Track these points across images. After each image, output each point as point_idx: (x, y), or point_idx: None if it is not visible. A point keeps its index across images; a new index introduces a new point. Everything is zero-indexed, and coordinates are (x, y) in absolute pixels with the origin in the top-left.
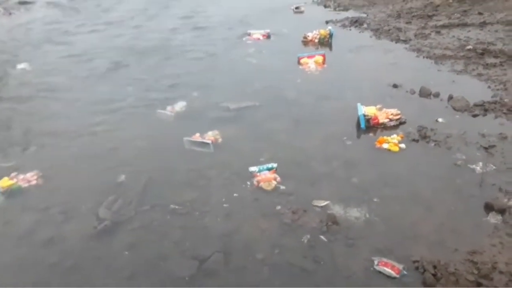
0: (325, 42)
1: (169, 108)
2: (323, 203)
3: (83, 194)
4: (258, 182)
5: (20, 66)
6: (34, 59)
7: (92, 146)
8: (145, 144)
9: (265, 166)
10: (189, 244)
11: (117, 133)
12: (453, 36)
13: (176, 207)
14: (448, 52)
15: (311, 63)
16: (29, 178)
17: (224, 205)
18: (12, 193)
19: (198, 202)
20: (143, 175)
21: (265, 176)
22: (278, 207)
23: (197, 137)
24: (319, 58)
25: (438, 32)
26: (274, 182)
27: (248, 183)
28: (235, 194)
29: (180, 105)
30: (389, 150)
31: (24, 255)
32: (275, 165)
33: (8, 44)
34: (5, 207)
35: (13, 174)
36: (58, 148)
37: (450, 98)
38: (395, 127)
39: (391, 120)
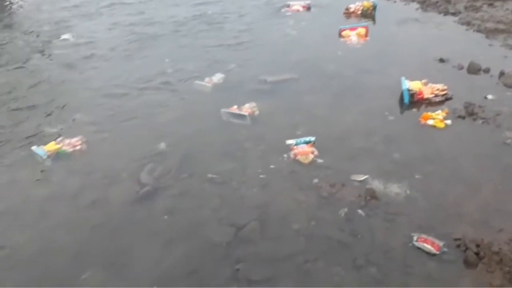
0: (368, 14)
1: (206, 79)
2: (362, 177)
3: (125, 160)
4: (295, 155)
5: (64, 36)
6: (78, 30)
7: (133, 115)
8: (184, 115)
9: (302, 139)
10: (225, 212)
11: (156, 102)
12: (507, 9)
13: (214, 176)
14: (501, 26)
15: (353, 35)
16: (74, 143)
17: (261, 176)
18: (58, 157)
19: (235, 172)
20: (182, 145)
21: (302, 149)
22: (315, 180)
23: (234, 109)
24: (362, 31)
25: (490, 5)
26: (311, 156)
27: (285, 155)
28: (271, 166)
29: (217, 77)
30: (434, 126)
31: (70, 216)
32: (313, 138)
33: (54, 14)
34: (52, 171)
35: (59, 139)
36: (100, 116)
37: (502, 74)
38: (440, 103)
39: (436, 95)
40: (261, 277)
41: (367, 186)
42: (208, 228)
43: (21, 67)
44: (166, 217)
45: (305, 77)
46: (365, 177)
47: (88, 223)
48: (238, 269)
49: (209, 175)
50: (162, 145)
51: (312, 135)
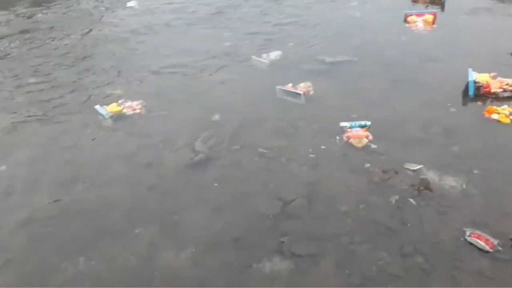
0: (437, 1)
1: (264, 56)
2: (416, 167)
3: (181, 128)
4: (348, 138)
5: (130, 4)
6: None
7: (190, 85)
8: (239, 89)
9: (357, 123)
10: (274, 186)
11: (213, 75)
12: None
13: (264, 151)
14: None
15: (420, 21)
16: (134, 107)
17: (311, 155)
18: (118, 118)
19: (285, 149)
20: (236, 117)
21: (357, 133)
22: (367, 165)
23: (289, 87)
24: (429, 17)
25: None
26: (365, 140)
27: (337, 137)
28: (322, 147)
29: (275, 54)
30: (498, 121)
31: (127, 174)
32: (368, 123)
33: None
34: (113, 130)
35: (120, 101)
36: (159, 83)
37: None
38: (508, 98)
39: (505, 90)
40: (305, 252)
41: (421, 176)
42: (256, 199)
43: (88, 32)
44: (216, 184)
45: (364, 60)
46: (420, 166)
47: (143, 182)
48: (283, 242)
49: (260, 150)
50: (217, 117)
51: (367, 119)
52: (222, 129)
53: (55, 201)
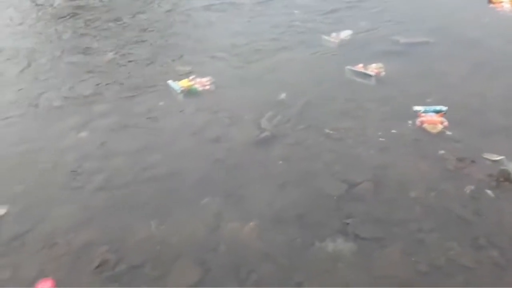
0: None
1: (333, 35)
2: (496, 157)
3: (247, 105)
4: (422, 122)
5: None
6: None
7: (257, 63)
8: (307, 68)
9: (432, 108)
10: (339, 168)
11: (280, 53)
12: None
13: (331, 132)
14: None
15: (506, 2)
16: (204, 83)
17: (380, 139)
18: (189, 93)
19: (353, 131)
20: (302, 97)
21: (431, 118)
22: (441, 152)
23: (359, 67)
24: None
25: None
26: (440, 126)
27: (410, 122)
28: (393, 131)
29: (345, 33)
30: None
31: (195, 147)
32: (444, 108)
33: None
34: (183, 105)
35: (191, 77)
36: (228, 60)
37: None
38: None
39: None
40: (370, 236)
41: (502, 167)
42: (320, 179)
43: (162, 9)
44: (281, 162)
45: (442, 42)
46: (501, 157)
47: (210, 156)
48: (347, 223)
49: (326, 130)
50: (283, 96)
51: (443, 104)
52: (288, 108)
53: (130, 167)
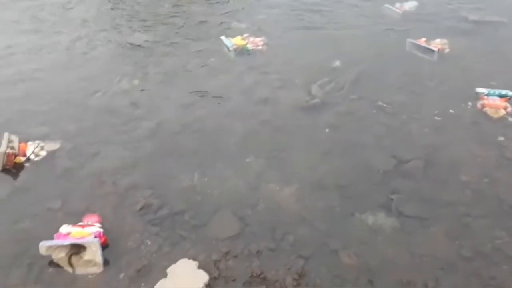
0: None
1: (397, 5)
2: None
3: (300, 69)
4: (483, 106)
5: None
6: None
7: (316, 28)
8: (365, 36)
9: (497, 91)
10: (389, 143)
11: (337, 21)
12: None
13: (384, 105)
14: None
15: None
16: (257, 42)
17: (436, 118)
18: (241, 52)
19: (408, 107)
20: (358, 66)
21: (494, 102)
22: (501, 138)
23: (422, 41)
24: None
25: None
26: (503, 111)
27: (470, 103)
28: (451, 111)
29: (410, 4)
30: None
31: (242, 107)
32: (510, 93)
33: None
34: (234, 62)
35: (245, 35)
36: (285, 23)
37: None
38: None
39: None
40: (415, 214)
41: None
42: (368, 152)
43: None
44: (327, 130)
45: None
46: None
47: (257, 116)
48: (392, 199)
49: (380, 103)
50: (338, 63)
51: (509, 89)
52: (342, 77)
53: (178, 119)
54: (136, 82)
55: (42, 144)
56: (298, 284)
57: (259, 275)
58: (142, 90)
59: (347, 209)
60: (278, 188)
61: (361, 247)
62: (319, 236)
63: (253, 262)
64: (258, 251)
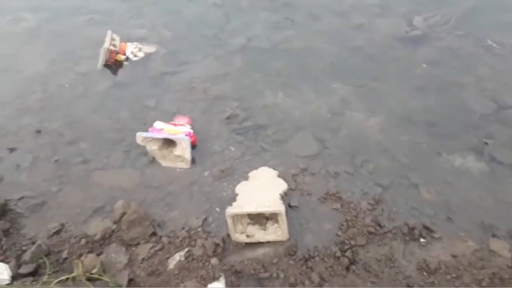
0: None
1: None
2: None
3: None
4: None
5: None
6: None
7: None
8: None
9: None
10: (492, 86)
11: None
12: None
13: (494, 44)
14: None
15: None
16: None
17: None
18: None
19: None
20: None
21: None
22: None
23: None
24: None
25: None
26: None
27: None
28: None
29: None
30: None
31: (336, 29)
32: None
33: None
34: None
35: None
36: None
37: None
38: None
39: None
40: (508, 161)
41: None
42: (465, 92)
43: None
44: (424, 65)
45: None
46: None
47: (350, 41)
48: (486, 143)
49: (489, 42)
50: None
51: None
52: (450, 9)
53: (266, 36)
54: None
55: (140, 46)
56: (373, 209)
57: (335, 194)
58: (233, 4)
59: (434, 147)
60: (363, 117)
61: (443, 185)
62: (399, 168)
63: (330, 182)
64: (335, 172)
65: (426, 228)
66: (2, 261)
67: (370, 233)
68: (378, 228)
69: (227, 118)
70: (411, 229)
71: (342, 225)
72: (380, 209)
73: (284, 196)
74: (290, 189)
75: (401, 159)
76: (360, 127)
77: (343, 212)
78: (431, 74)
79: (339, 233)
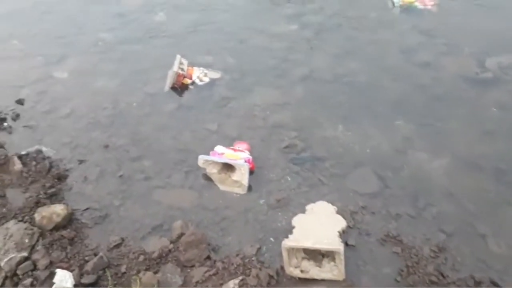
0: None
1: None
2: None
3: (472, 36)
4: None
5: None
6: None
7: None
8: None
9: None
10: None
11: None
12: None
13: None
14: None
15: None
16: (426, 2)
17: None
18: (408, 9)
19: None
20: None
21: None
22: None
23: None
24: None
25: None
26: None
27: None
28: None
29: None
30: None
31: (401, 67)
32: None
33: None
34: (398, 20)
35: None
36: None
37: None
38: None
39: None
40: None
41: None
42: None
43: None
44: (495, 109)
45: None
46: None
47: (415, 79)
48: None
49: None
50: None
51: None
52: None
53: (331, 68)
54: (294, 27)
55: (206, 71)
56: (436, 257)
57: (395, 236)
58: (298, 35)
59: (504, 196)
60: (427, 157)
61: None
62: (465, 216)
63: (390, 223)
64: (397, 214)
65: (494, 284)
66: (67, 268)
67: (432, 282)
68: (441, 277)
69: (285, 147)
70: (478, 283)
71: (402, 270)
72: (443, 258)
73: (342, 234)
74: (348, 226)
75: (467, 206)
76: (423, 168)
77: (404, 257)
78: (502, 119)
79: (398, 278)
